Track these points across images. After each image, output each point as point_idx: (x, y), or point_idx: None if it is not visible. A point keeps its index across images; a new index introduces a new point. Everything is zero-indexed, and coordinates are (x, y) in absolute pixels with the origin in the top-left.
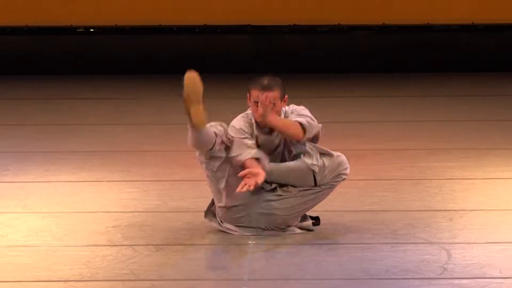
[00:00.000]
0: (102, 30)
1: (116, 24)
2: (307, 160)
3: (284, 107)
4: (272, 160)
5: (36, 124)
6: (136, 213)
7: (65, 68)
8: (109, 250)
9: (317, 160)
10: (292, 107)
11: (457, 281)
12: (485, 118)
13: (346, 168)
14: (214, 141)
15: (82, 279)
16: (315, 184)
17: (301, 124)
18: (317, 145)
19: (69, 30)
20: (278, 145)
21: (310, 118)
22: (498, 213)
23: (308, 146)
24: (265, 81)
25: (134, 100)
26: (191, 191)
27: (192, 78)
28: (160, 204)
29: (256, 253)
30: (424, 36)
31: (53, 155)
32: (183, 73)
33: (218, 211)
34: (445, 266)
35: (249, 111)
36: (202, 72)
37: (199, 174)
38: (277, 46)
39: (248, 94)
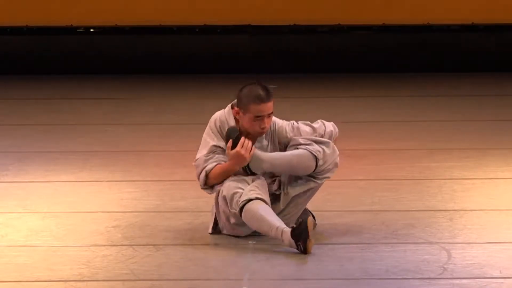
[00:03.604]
0: (102, 30)
1: (116, 24)
2: (309, 147)
3: None
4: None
5: (36, 124)
6: (136, 213)
7: (65, 68)
8: (109, 250)
9: (318, 151)
10: (291, 124)
11: (457, 281)
12: (485, 118)
13: (338, 156)
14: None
15: (82, 279)
16: (316, 167)
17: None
18: (309, 136)
19: (69, 30)
20: (267, 145)
21: (321, 125)
22: (498, 213)
23: (302, 139)
24: (261, 92)
25: (134, 100)
26: (191, 191)
27: None
28: (160, 204)
29: (256, 253)
30: (424, 36)
31: (53, 155)
32: (183, 73)
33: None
34: (445, 266)
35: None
36: (202, 72)
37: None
38: (277, 46)
39: (237, 109)
